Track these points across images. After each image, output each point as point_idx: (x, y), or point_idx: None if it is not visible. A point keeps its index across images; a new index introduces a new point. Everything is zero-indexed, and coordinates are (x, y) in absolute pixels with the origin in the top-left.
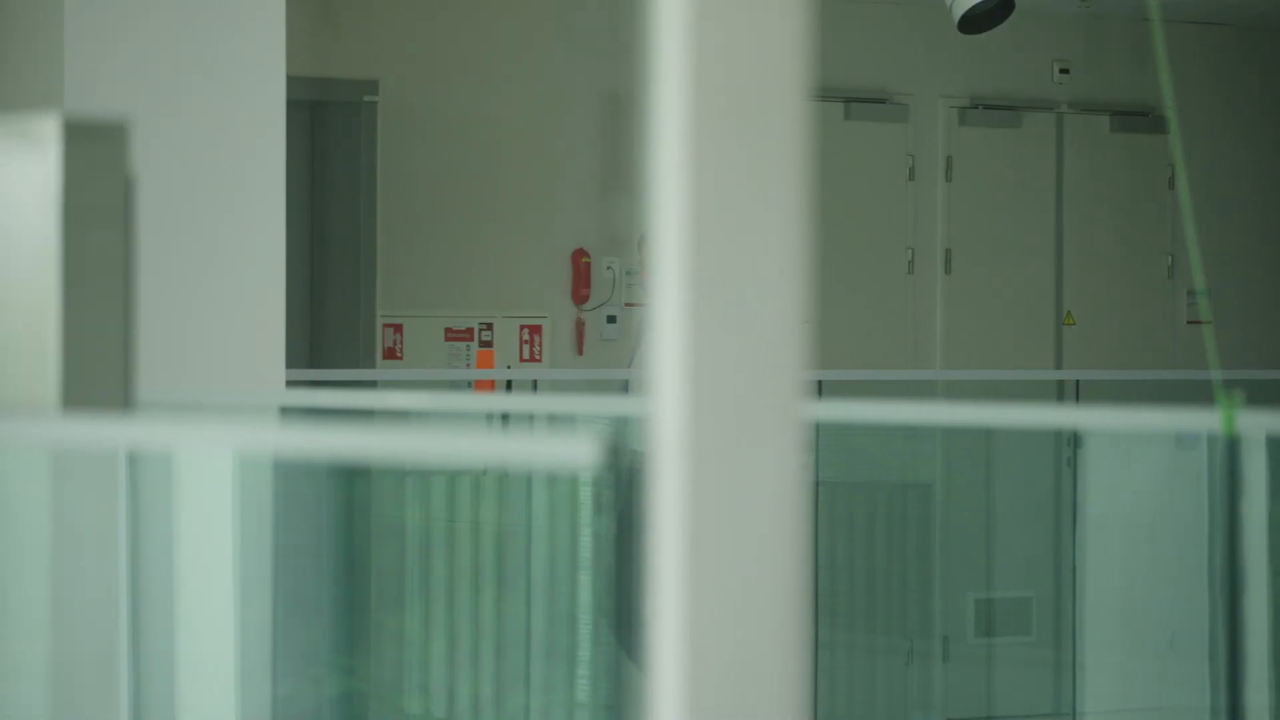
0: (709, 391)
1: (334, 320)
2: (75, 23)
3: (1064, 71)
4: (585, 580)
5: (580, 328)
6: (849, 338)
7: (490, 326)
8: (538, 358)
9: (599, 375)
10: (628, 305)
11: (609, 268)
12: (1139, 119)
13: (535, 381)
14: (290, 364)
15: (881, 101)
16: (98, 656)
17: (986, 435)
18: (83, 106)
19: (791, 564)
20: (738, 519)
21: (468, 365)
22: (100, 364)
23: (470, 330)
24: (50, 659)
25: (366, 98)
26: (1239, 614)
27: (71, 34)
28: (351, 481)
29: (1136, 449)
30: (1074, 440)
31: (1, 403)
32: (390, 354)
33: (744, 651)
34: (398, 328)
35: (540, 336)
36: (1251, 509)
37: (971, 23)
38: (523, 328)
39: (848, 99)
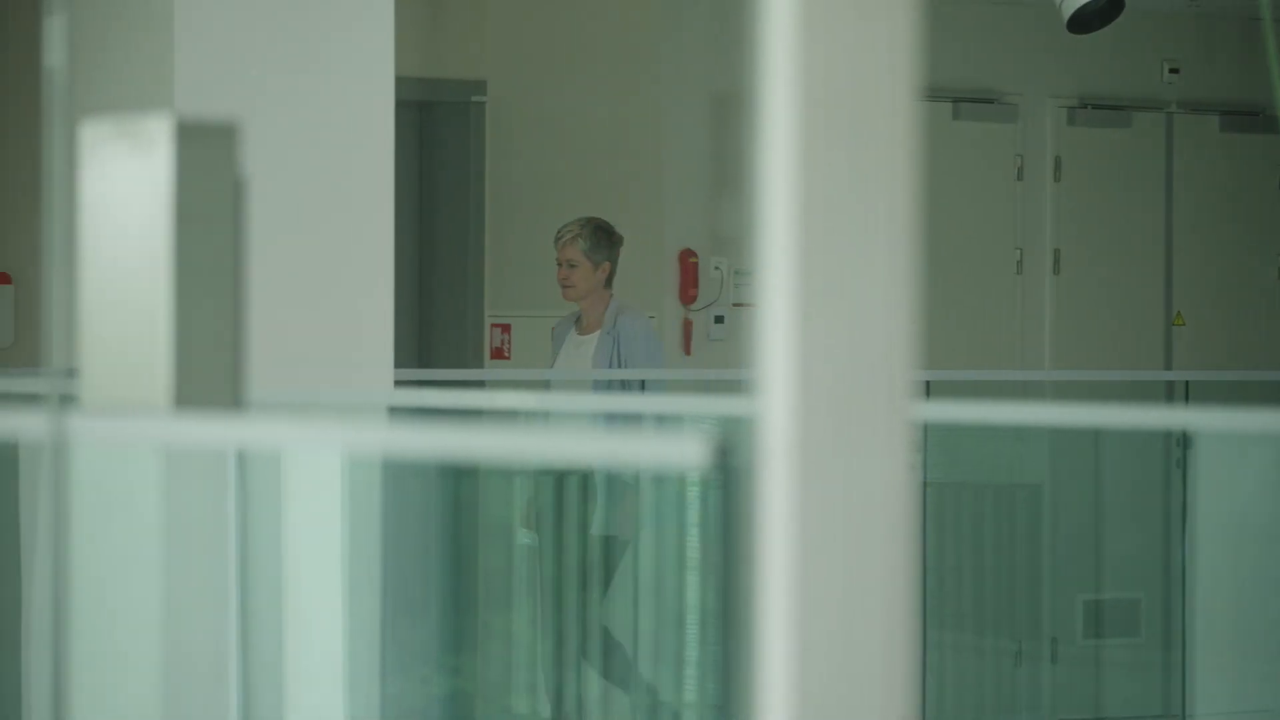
0: (818, 392)
1: (442, 320)
2: (185, 23)
3: (1173, 71)
4: (693, 581)
5: (688, 328)
6: (957, 338)
7: None
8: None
9: (707, 375)
10: (735, 306)
11: (717, 268)
12: (1249, 119)
13: (642, 382)
14: (398, 364)
15: (990, 102)
16: (209, 654)
17: (1095, 436)
18: (192, 107)
19: (901, 564)
20: (847, 519)
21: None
22: (211, 364)
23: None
24: (162, 656)
25: (475, 98)
26: None
27: (181, 34)
28: (459, 481)
29: (1247, 450)
30: (1183, 441)
31: (114, 402)
32: (498, 354)
33: (853, 651)
34: (505, 327)
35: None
36: None
37: (1081, 22)
38: None
39: (956, 99)
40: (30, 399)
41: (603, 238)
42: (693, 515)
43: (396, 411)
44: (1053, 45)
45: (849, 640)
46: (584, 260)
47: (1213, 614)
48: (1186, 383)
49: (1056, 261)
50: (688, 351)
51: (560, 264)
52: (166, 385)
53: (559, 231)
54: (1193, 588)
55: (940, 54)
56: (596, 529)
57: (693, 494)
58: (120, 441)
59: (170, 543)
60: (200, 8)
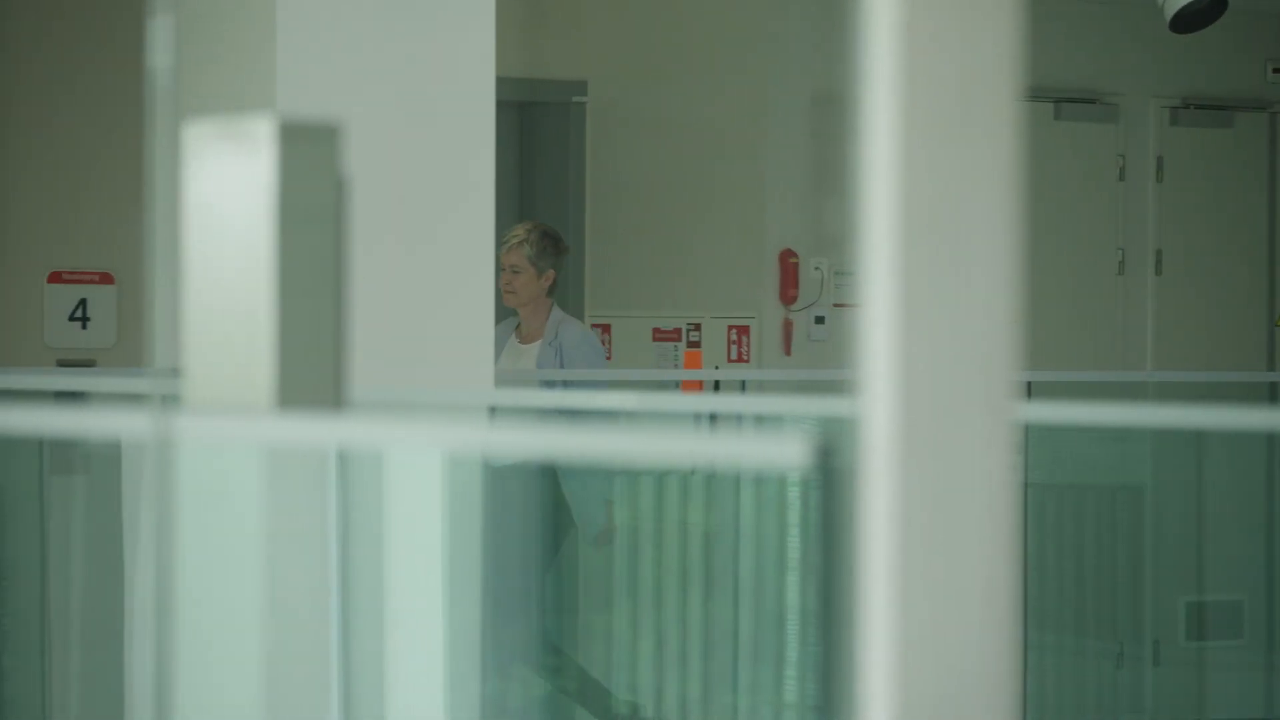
0: (920, 392)
1: None
2: (287, 23)
3: (1276, 71)
4: (793, 581)
5: (788, 328)
6: (1058, 338)
7: (698, 327)
8: (745, 358)
9: (807, 375)
10: (836, 306)
11: (817, 268)
12: None
13: (743, 382)
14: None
15: (1092, 102)
16: (310, 654)
17: (1197, 437)
18: (294, 107)
19: (1002, 565)
20: (948, 520)
21: (675, 365)
22: (314, 363)
23: (678, 330)
24: (264, 655)
25: (575, 98)
26: None
27: (283, 35)
28: (560, 481)
29: None
30: None
31: (217, 401)
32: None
33: (954, 652)
34: (605, 328)
35: (748, 337)
36: None
37: (1183, 21)
38: (730, 328)
39: (1058, 99)
40: (134, 399)
41: (549, 245)
42: (793, 515)
43: (498, 411)
44: (1154, 45)
45: (950, 640)
46: (528, 267)
47: None
48: None
49: (1159, 262)
50: (788, 352)
51: (504, 268)
52: (269, 385)
53: (505, 235)
54: None
55: (1042, 54)
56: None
57: (793, 494)
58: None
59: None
60: (302, 8)
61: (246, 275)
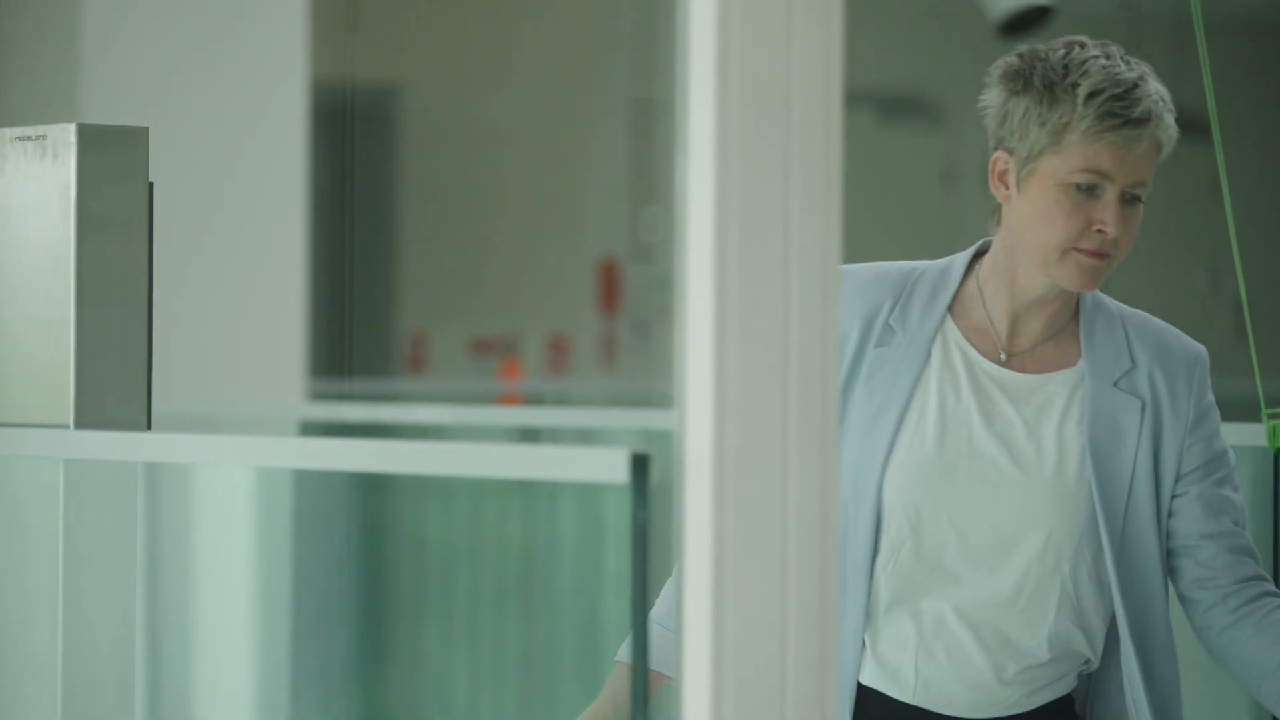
0: (740, 404)
1: (357, 330)
2: (93, 30)
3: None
4: (612, 597)
5: (609, 338)
6: None
7: (517, 336)
8: (565, 368)
9: (628, 387)
10: (657, 315)
11: (638, 277)
12: None
13: (563, 393)
14: (314, 373)
15: (918, 105)
16: (112, 676)
17: None
18: (102, 114)
19: (822, 579)
20: (768, 534)
21: (493, 376)
22: (117, 374)
23: (497, 340)
24: (63, 678)
25: (392, 104)
26: None
27: (89, 41)
28: (373, 496)
29: None
30: None
31: (16, 413)
32: (413, 364)
33: (773, 669)
34: (422, 336)
35: (568, 347)
36: None
37: (1012, 27)
38: (550, 337)
39: (885, 103)
40: None
41: None
42: (611, 530)
43: (310, 425)
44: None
45: (770, 657)
46: None
47: None
48: None
49: None
50: (609, 362)
51: None
52: (70, 397)
53: None
54: None
55: (867, 57)
56: None
57: (612, 508)
58: (21, 456)
59: (73, 561)
60: (108, 15)
61: (47, 284)
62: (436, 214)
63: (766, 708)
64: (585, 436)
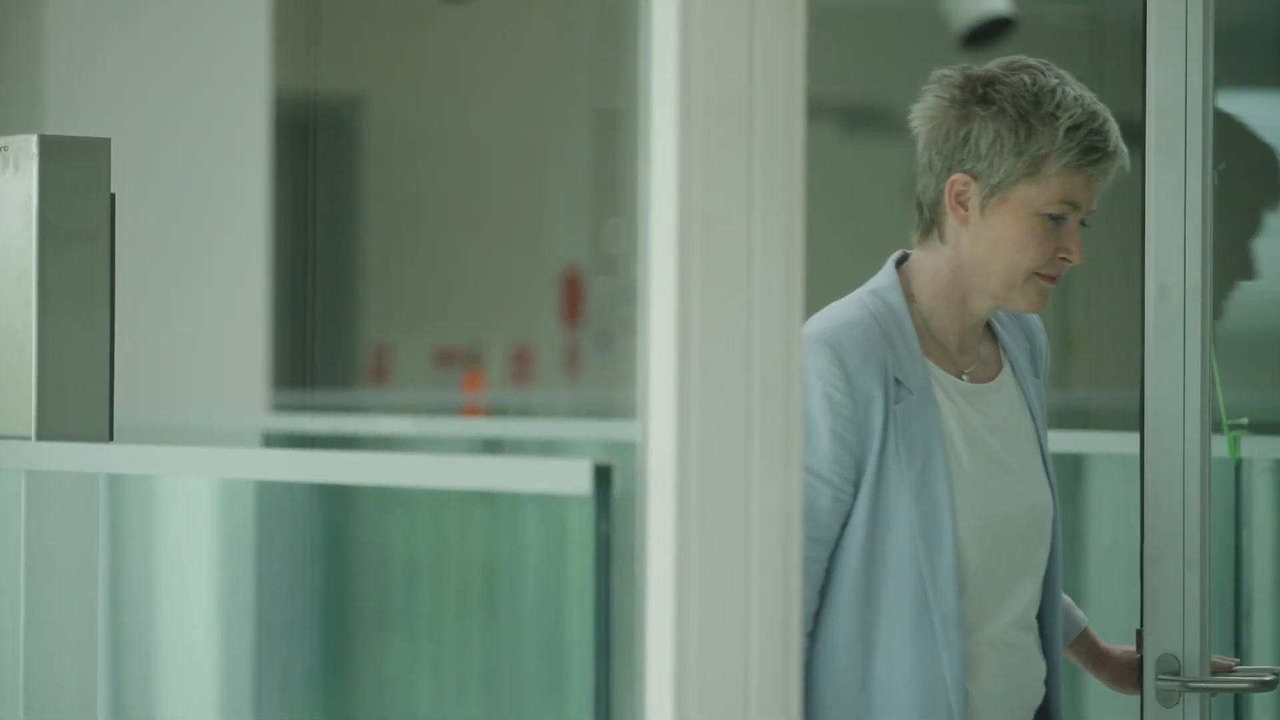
0: (702, 416)
1: (319, 341)
2: (55, 41)
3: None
4: (575, 610)
5: (572, 349)
6: None
7: (480, 347)
8: (528, 379)
9: (591, 398)
10: (620, 326)
11: (601, 288)
12: None
13: (526, 404)
14: (276, 385)
15: (882, 117)
16: (74, 686)
17: None
18: (63, 126)
19: (785, 591)
20: (733, 544)
21: (457, 387)
22: (78, 385)
23: (459, 351)
24: (25, 689)
25: (353, 114)
26: None
27: (51, 52)
28: (336, 507)
29: None
30: None
31: None
32: (376, 375)
33: (737, 679)
34: (384, 348)
35: (531, 358)
36: None
37: (976, 37)
38: (513, 349)
39: (847, 114)
40: None
41: None
42: (575, 541)
43: (272, 436)
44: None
45: (733, 669)
46: None
47: None
48: None
49: None
50: (571, 373)
51: None
52: (32, 407)
53: None
54: None
55: (826, 68)
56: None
57: (576, 520)
58: None
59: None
60: (72, 27)
61: (8, 295)
62: (399, 225)
63: (730, 717)
64: (549, 448)
